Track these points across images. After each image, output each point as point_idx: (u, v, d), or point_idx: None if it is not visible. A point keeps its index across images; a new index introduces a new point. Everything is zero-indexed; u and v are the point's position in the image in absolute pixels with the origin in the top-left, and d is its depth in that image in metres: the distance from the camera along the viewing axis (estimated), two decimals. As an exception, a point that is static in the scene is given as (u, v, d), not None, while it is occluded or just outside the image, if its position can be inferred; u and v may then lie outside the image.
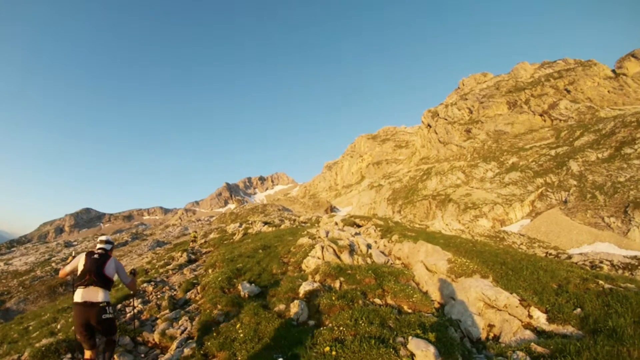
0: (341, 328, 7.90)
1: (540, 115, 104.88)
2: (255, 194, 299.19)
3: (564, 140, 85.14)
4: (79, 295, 6.85)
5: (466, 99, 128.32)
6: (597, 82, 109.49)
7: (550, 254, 36.29)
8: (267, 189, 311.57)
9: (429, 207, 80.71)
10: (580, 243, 48.84)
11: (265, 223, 41.42)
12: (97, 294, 6.94)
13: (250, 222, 47.19)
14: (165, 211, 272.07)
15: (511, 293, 10.31)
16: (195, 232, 52.30)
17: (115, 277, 7.57)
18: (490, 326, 9.43)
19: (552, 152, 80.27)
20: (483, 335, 9.20)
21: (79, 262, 7.27)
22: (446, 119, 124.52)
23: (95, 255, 7.34)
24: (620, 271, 24.98)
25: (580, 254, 35.35)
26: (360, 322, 8.03)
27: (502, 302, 9.70)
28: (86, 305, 6.79)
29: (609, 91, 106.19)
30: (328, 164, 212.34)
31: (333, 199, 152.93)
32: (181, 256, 26.06)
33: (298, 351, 7.32)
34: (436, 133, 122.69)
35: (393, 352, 6.73)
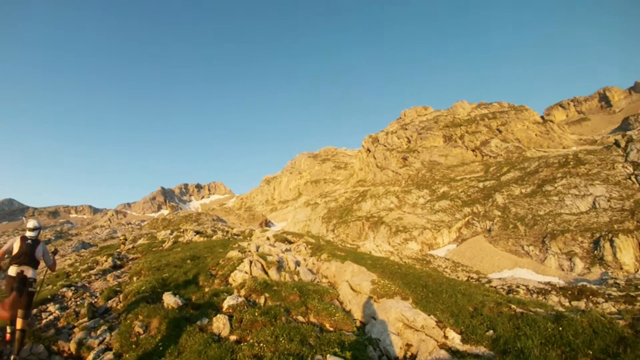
0: (262, 344, 7.82)
1: (473, 150, 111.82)
2: (190, 201, 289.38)
3: (492, 174, 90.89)
4: (14, 271, 8.48)
5: (406, 129, 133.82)
6: (526, 126, 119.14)
7: (472, 278, 38.04)
8: (203, 197, 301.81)
9: (362, 228, 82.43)
10: (501, 268, 52.22)
11: (197, 232, 40.30)
12: (28, 271, 8.62)
13: (182, 230, 45.76)
14: (95, 211, 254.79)
15: (429, 315, 10.69)
16: (125, 235, 49.91)
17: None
18: (408, 345, 9.68)
19: (480, 185, 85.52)
20: (401, 354, 9.40)
21: (15, 245, 8.79)
22: (385, 146, 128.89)
23: (29, 241, 8.92)
24: (534, 295, 26.52)
25: (500, 278, 37.36)
26: (281, 339, 7.98)
27: (420, 323, 10.02)
28: (19, 277, 8.40)
29: (536, 134, 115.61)
30: (267, 177, 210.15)
31: (269, 213, 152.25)
32: (106, 261, 24.70)
33: (217, 366, 7.19)
34: (375, 158, 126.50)
35: (310, 369, 6.78)
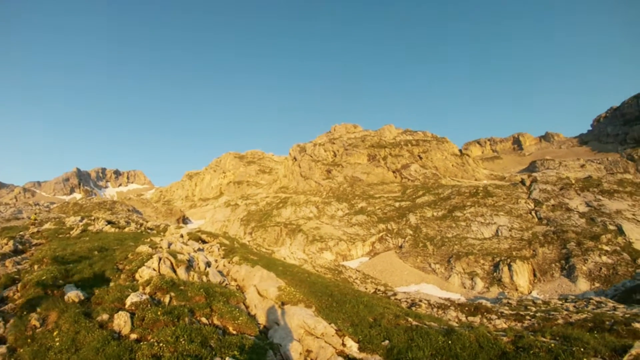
0: (162, 344, 7.62)
1: (394, 172, 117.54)
2: (106, 187, 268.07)
3: (408, 196, 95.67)
4: None
5: (334, 143, 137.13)
6: (445, 156, 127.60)
7: (379, 290, 39.50)
8: (120, 185, 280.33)
9: (280, 234, 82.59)
10: (409, 282, 55.42)
11: (110, 222, 38.17)
12: None
13: (93, 218, 43.05)
14: (0, 185, 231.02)
15: (330, 323, 11.10)
16: (36, 214, 45.72)
17: None
18: (308, 351, 10.00)
19: (397, 204, 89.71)
20: None
21: None
22: (312, 157, 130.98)
23: None
24: (435, 310, 27.92)
25: (405, 292, 39.15)
26: (182, 340, 7.82)
27: (320, 331, 10.40)
28: None
29: (453, 165, 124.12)
30: (189, 173, 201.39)
31: (187, 210, 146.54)
32: (7, 244, 22.63)
33: (114, 365, 6.92)
34: (300, 167, 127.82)
35: (207, 371, 6.75)
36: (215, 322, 10.09)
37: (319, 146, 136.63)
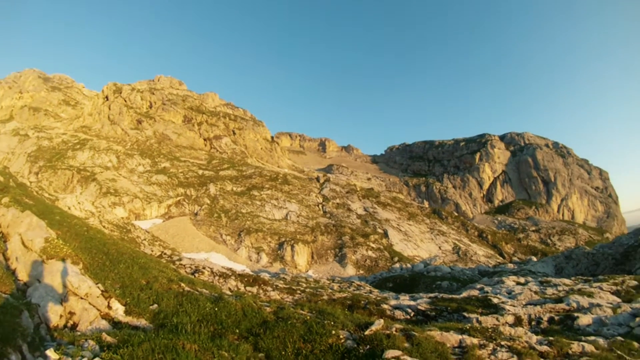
0: None
1: (205, 139, 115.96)
2: None
3: (213, 166, 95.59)
4: None
5: (153, 94, 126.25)
6: (257, 138, 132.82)
7: (166, 254, 38.44)
8: None
9: (71, 180, 72.36)
10: (200, 250, 56.25)
11: None
12: None
13: None
14: None
15: (97, 283, 10.37)
16: None
17: None
18: (71, 313, 9.19)
19: (200, 172, 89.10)
20: (62, 323, 8.82)
21: None
22: (126, 101, 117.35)
23: None
24: (217, 278, 28.48)
25: (190, 259, 38.89)
26: None
27: (84, 291, 9.64)
28: None
29: (262, 148, 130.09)
30: None
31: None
32: None
33: None
34: (110, 109, 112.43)
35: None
36: (-36, 277, 8.36)
37: (137, 92, 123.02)
